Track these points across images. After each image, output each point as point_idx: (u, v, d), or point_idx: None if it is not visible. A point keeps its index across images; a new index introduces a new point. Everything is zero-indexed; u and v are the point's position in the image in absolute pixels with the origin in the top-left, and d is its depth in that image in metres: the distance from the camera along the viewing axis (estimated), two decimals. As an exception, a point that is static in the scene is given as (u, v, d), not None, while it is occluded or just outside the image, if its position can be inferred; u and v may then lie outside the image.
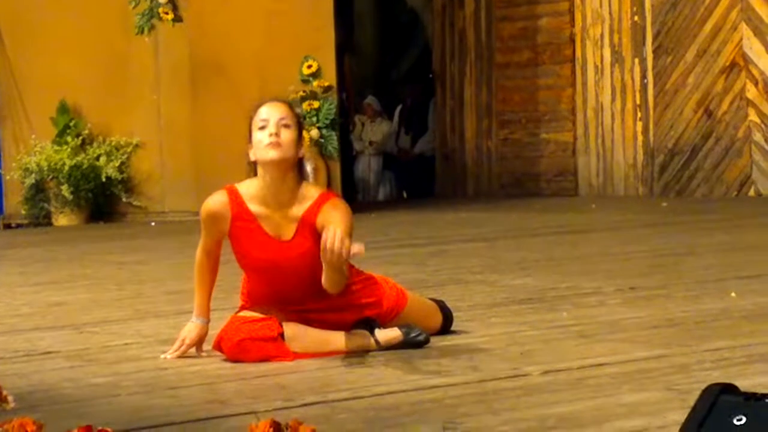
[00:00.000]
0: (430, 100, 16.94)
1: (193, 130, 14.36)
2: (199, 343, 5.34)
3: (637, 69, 14.55)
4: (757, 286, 6.87)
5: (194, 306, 5.43)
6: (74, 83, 14.49)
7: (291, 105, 5.50)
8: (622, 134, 14.70)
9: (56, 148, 14.42)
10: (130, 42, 14.53)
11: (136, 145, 14.50)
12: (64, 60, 14.50)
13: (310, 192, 5.32)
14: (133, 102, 14.51)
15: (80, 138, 14.51)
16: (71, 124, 14.53)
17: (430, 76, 16.77)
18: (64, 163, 14.28)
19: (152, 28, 14.54)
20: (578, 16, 15.04)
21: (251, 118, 5.33)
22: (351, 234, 5.07)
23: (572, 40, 15.11)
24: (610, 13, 14.80)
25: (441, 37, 16.32)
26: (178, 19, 14.47)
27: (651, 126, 14.41)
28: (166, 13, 14.49)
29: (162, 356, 5.33)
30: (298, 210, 5.28)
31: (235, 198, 5.37)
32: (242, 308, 5.43)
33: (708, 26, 13.89)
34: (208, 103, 14.29)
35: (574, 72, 15.08)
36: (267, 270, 5.42)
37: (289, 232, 5.31)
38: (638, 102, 14.51)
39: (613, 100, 14.76)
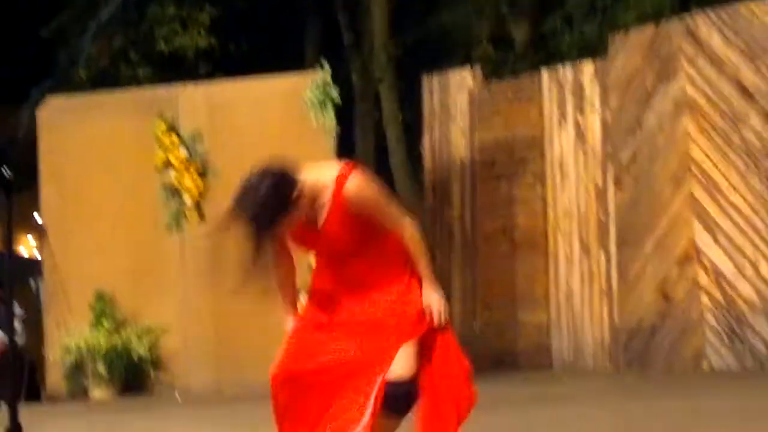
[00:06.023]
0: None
1: (215, 316, 14.38)
2: None
3: (602, 259, 14.58)
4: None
5: (286, 315, 5.32)
6: (109, 274, 14.59)
7: None
8: (590, 316, 14.70)
9: (93, 331, 14.46)
10: (160, 238, 14.63)
11: (164, 329, 14.51)
12: (100, 255, 14.63)
13: (327, 176, 5.00)
14: (162, 290, 14.58)
15: (114, 322, 14.54)
16: (106, 310, 14.58)
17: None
18: (100, 344, 14.30)
19: (179, 226, 14.65)
20: (550, 214, 15.12)
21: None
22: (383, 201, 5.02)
23: (545, 235, 15.17)
24: (578, 211, 14.89)
25: (432, 232, 16.37)
26: (202, 218, 14.57)
27: (615, 309, 14.41)
28: (191, 214, 14.62)
29: None
30: (323, 198, 4.99)
31: None
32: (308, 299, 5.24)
33: (663, 222, 13.94)
34: (227, 292, 14.26)
35: (547, 262, 15.12)
36: (321, 254, 5.18)
37: (320, 219, 5.00)
38: (604, 288, 14.53)
39: (582, 286, 14.79)
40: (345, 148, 15.39)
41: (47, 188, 15.11)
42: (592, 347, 14.69)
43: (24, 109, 15.33)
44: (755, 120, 13.17)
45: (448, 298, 16.60)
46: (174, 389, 14.35)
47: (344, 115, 15.23)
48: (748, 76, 13.25)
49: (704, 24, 13.72)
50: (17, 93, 15.79)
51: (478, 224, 15.88)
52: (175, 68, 18.86)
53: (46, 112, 14.98)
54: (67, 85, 16.93)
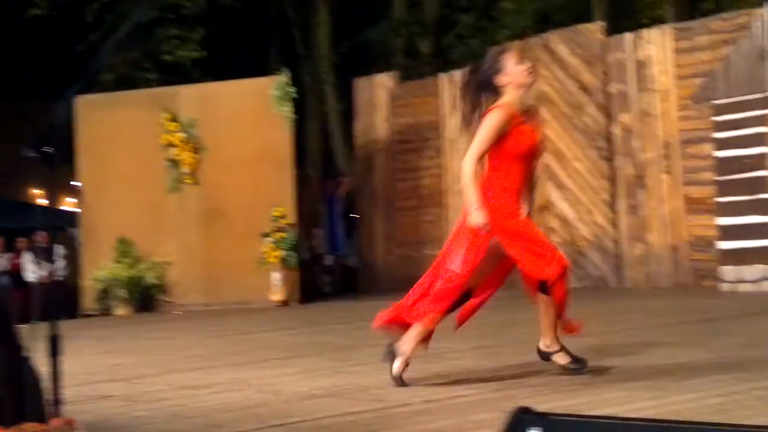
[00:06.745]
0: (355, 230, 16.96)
1: (204, 254, 14.33)
2: None
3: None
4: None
5: (476, 200, 4.98)
6: (128, 224, 14.46)
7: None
8: (475, 251, 14.77)
9: (117, 265, 14.37)
10: (165, 197, 14.53)
11: (168, 263, 14.45)
12: (121, 210, 14.48)
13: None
14: (166, 236, 14.47)
15: (132, 259, 14.47)
16: (126, 250, 14.50)
17: (356, 215, 16.80)
18: (122, 275, 14.24)
19: (179, 188, 14.56)
20: (446, 177, 15.16)
21: (498, 62, 5.13)
22: None
23: (442, 193, 15.22)
24: (466, 176, 14.93)
25: (361, 191, 16.39)
26: (196, 183, 14.49)
27: (493, 245, 14.49)
28: (188, 180, 14.52)
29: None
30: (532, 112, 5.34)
31: (509, 108, 5.07)
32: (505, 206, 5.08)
33: (526, 183, 14.05)
34: (213, 236, 14.27)
35: (443, 212, 15.17)
36: (530, 153, 5.17)
37: (535, 125, 5.23)
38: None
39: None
40: (299, 131, 15.37)
41: (83, 161, 14.94)
42: (476, 273, 14.79)
43: (60, 104, 15.13)
44: (591, 109, 13.28)
45: (373, 240, 16.70)
46: (175, 307, 14.33)
47: (299, 106, 15.21)
48: (586, 77, 13.36)
49: (556, 40, 13.80)
50: (56, 93, 15.55)
51: (394, 185, 15.92)
52: (176, 73, 18.65)
53: (82, 105, 14.84)
54: (96, 86, 16.72)
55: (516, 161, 5.14)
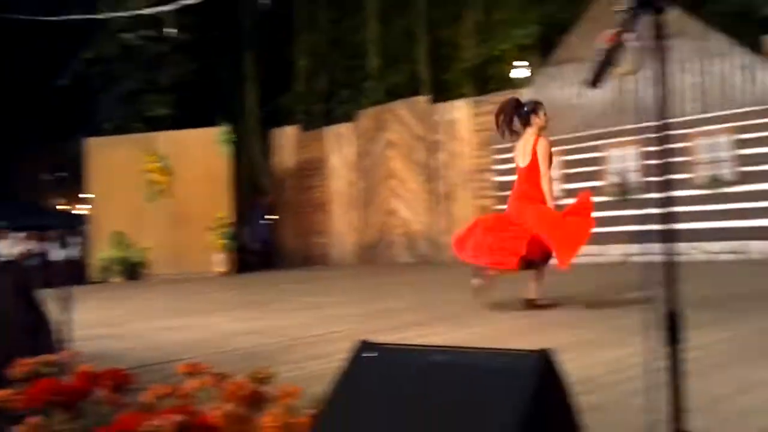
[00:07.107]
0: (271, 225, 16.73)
1: (171, 241, 13.95)
2: None
3: (355, 215, 14.64)
4: (414, 298, 6.86)
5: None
6: (121, 222, 13.98)
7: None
8: (349, 240, 14.79)
9: (113, 250, 13.84)
10: (146, 205, 14.08)
11: (149, 248, 13.98)
12: (117, 213, 13.99)
13: None
14: (148, 230, 14.04)
15: (124, 245, 13.95)
16: (120, 239, 13.99)
17: (273, 217, 16.57)
18: (117, 256, 13.73)
19: (155, 199, 14.11)
20: (329, 193, 15.11)
21: (536, 108, 5.04)
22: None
23: (327, 203, 15.16)
24: (342, 192, 14.93)
25: (277, 204, 16.19)
26: (166, 196, 14.07)
27: (361, 236, 14.50)
28: (161, 194, 14.08)
29: None
30: None
31: (547, 137, 5.10)
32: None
33: (379, 197, 14.11)
34: (178, 230, 13.90)
35: (328, 217, 15.13)
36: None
37: None
38: (355, 227, 14.61)
39: (345, 227, 14.86)
40: (237, 167, 15.10)
41: (92, 181, 14.35)
42: (348, 254, 14.81)
43: (72, 143, 14.42)
44: (421, 150, 13.46)
45: (284, 233, 16.30)
46: (153, 276, 13.85)
47: (236, 147, 14.91)
48: (418, 129, 13.53)
49: (399, 106, 13.97)
50: (64, 135, 14.67)
51: (298, 197, 15.81)
52: (155, 124, 18.02)
53: (93, 144, 14.32)
54: (100, 132, 16.04)
55: (549, 172, 5.13)
